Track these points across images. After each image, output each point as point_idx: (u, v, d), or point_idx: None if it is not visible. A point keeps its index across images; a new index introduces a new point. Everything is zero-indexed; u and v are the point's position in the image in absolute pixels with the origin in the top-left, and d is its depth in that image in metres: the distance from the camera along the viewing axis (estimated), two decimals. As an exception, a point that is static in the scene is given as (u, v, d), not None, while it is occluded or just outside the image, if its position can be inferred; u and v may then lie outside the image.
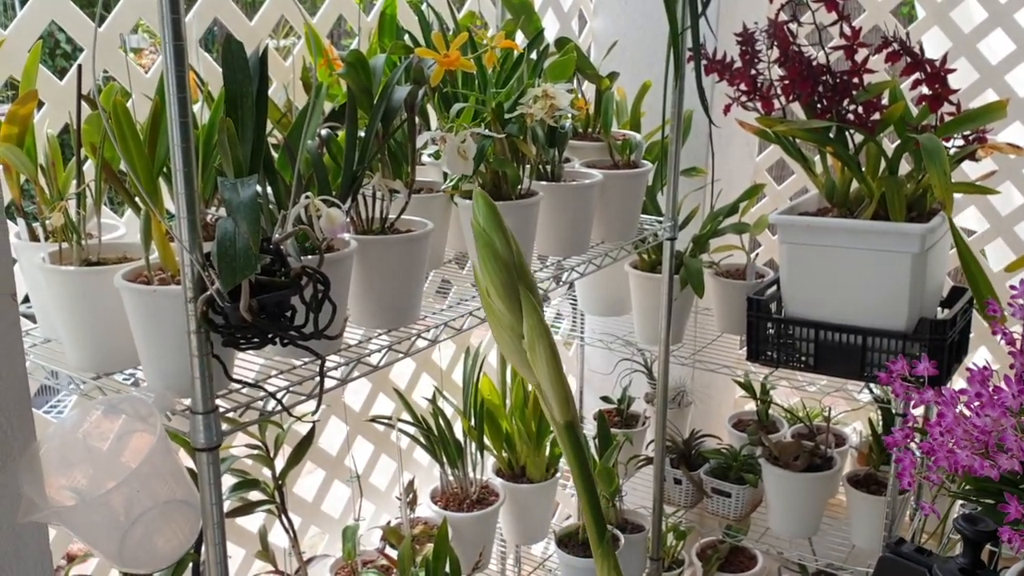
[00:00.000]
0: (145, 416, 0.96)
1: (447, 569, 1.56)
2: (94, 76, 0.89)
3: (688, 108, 1.64)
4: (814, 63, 1.55)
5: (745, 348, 1.75)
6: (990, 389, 0.81)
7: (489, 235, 0.74)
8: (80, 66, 1.08)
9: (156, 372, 0.97)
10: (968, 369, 0.87)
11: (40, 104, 1.26)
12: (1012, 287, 0.90)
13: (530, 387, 1.91)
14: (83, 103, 1.05)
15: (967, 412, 0.83)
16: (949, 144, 1.53)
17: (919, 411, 1.79)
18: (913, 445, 0.93)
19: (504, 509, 1.88)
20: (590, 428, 2.20)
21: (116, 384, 1.05)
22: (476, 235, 0.75)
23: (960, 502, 1.34)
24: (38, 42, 1.12)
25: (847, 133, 1.58)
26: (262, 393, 0.98)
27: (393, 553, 1.63)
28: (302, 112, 1.06)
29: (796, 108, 1.65)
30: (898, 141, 1.55)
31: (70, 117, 1.07)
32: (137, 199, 0.99)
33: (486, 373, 1.88)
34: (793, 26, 1.57)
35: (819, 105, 1.57)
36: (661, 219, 1.71)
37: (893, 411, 1.74)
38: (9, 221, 1.13)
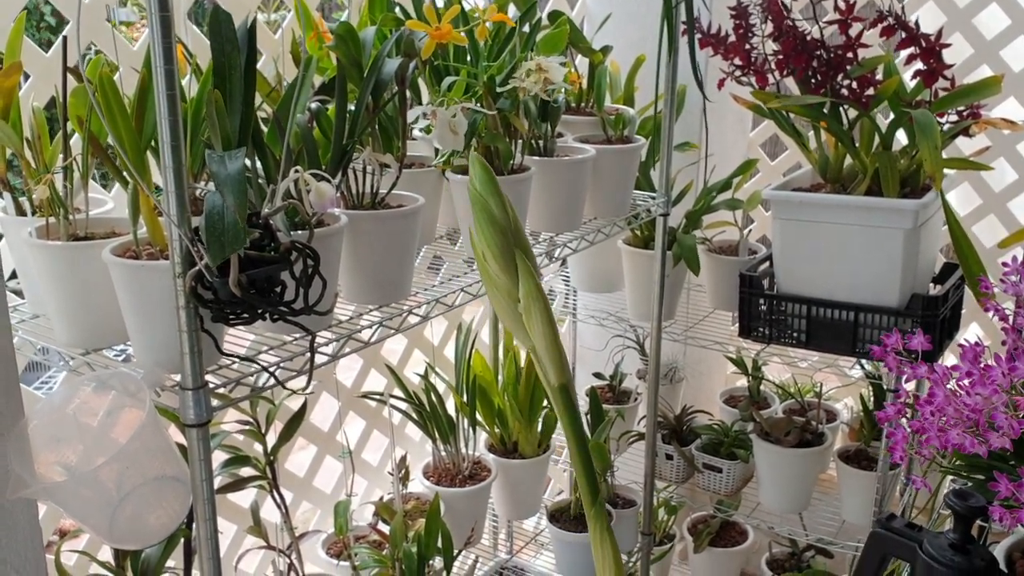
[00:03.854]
0: (134, 392, 0.96)
1: (439, 544, 1.57)
2: (79, 48, 0.88)
3: (682, 83, 1.63)
4: (808, 37, 1.54)
5: (737, 324, 1.75)
6: (981, 367, 0.81)
7: (486, 200, 0.75)
8: (65, 38, 1.06)
9: (145, 348, 0.97)
10: (960, 345, 0.86)
11: (26, 76, 1.25)
12: (1004, 264, 0.90)
13: (522, 362, 1.90)
14: (69, 75, 1.03)
15: (958, 389, 0.82)
16: (943, 120, 1.52)
17: (911, 386, 1.79)
18: (904, 421, 0.93)
19: (496, 484, 1.88)
20: (582, 404, 2.21)
21: (105, 360, 1.04)
22: (473, 200, 0.75)
23: (951, 476, 1.34)
24: (22, 13, 1.10)
25: (841, 108, 1.57)
26: (252, 368, 0.97)
27: (385, 528, 1.64)
28: (291, 85, 1.04)
29: (790, 83, 1.64)
30: (892, 116, 1.54)
31: (56, 90, 1.05)
32: (125, 173, 0.98)
33: (478, 349, 1.87)
34: (787, 0, 1.56)
35: (813, 80, 1.56)
36: (654, 195, 1.70)
37: (884, 387, 1.75)
38: (-5, 195, 1.12)
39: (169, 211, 0.82)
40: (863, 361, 1.83)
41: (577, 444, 0.79)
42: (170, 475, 0.97)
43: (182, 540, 1.29)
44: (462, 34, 1.23)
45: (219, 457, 1.44)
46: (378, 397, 1.84)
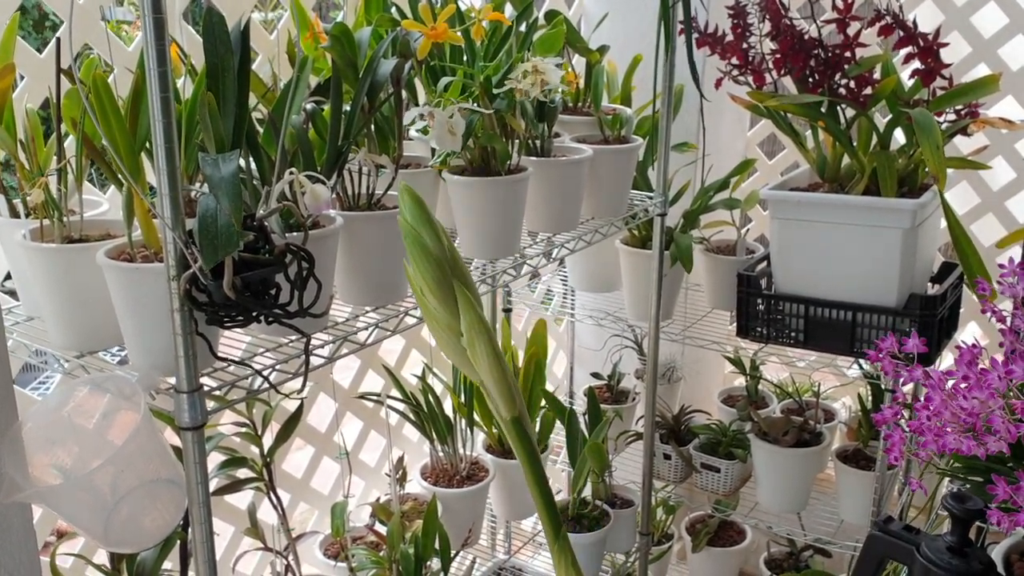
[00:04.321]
0: (129, 395, 0.95)
1: (437, 545, 1.56)
2: (71, 49, 0.87)
3: (679, 82, 1.63)
4: (806, 36, 1.54)
5: (735, 324, 1.75)
6: (978, 370, 0.80)
7: (417, 231, 0.72)
8: (59, 39, 1.06)
9: (140, 350, 0.96)
10: (958, 347, 0.86)
11: (20, 77, 1.24)
12: (1001, 265, 0.89)
13: (520, 362, 1.90)
14: (63, 77, 1.03)
15: (954, 393, 0.82)
16: (941, 119, 1.52)
17: (908, 386, 1.79)
18: (902, 422, 0.92)
19: (494, 485, 1.88)
20: (580, 404, 2.21)
21: (101, 362, 1.03)
22: (404, 232, 0.72)
23: (948, 478, 1.34)
24: (15, 14, 1.10)
25: (839, 108, 1.57)
26: (248, 371, 0.97)
27: (383, 529, 1.63)
28: (287, 86, 1.04)
29: (788, 82, 1.64)
30: (890, 116, 1.54)
31: (50, 91, 1.05)
32: (119, 175, 0.98)
33: (476, 349, 1.87)
34: (785, -1, 1.55)
35: (811, 79, 1.56)
36: (651, 195, 1.70)
37: (882, 387, 1.74)
38: (-12, 197, 1.11)
39: (163, 214, 0.82)
40: (861, 361, 1.83)
41: (535, 479, 0.76)
42: (165, 478, 0.96)
43: (178, 542, 1.29)
44: (458, 34, 1.22)
45: (216, 458, 1.44)
46: (375, 398, 1.84)
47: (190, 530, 0.95)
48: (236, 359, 0.98)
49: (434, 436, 1.81)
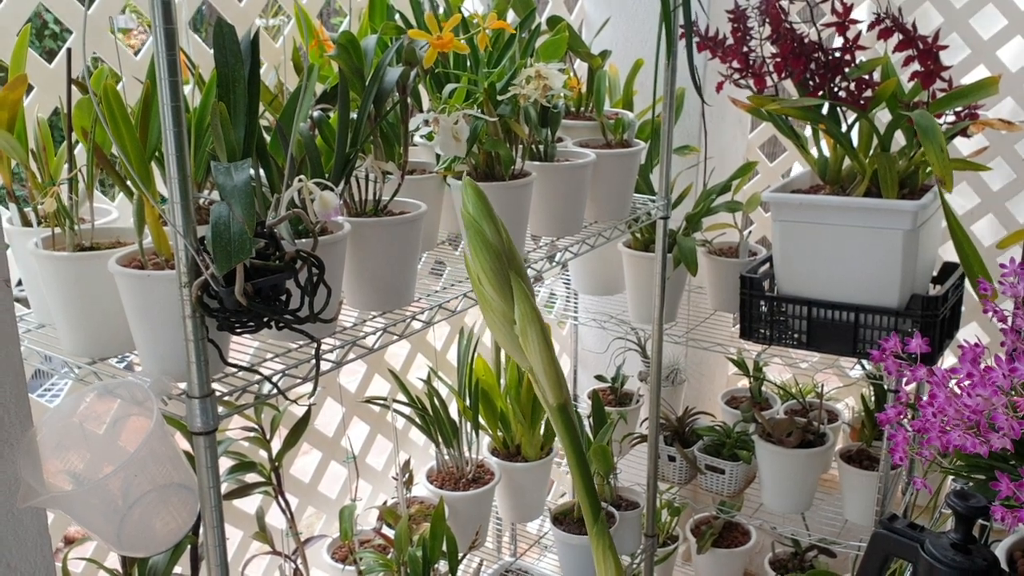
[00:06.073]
0: (141, 401, 0.97)
1: (444, 548, 1.57)
2: (84, 59, 0.89)
3: (680, 86, 1.64)
4: (806, 40, 1.55)
5: (738, 326, 1.76)
6: (981, 368, 0.81)
7: (479, 223, 0.75)
8: (70, 50, 1.07)
9: (152, 357, 0.97)
10: (960, 346, 0.87)
11: (29, 88, 1.25)
12: (1002, 265, 0.90)
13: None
14: (73, 87, 1.04)
15: (958, 391, 0.83)
16: (941, 120, 1.53)
17: (911, 386, 1.80)
18: (905, 422, 0.94)
19: (500, 488, 1.89)
20: (584, 407, 2.22)
21: (112, 369, 1.05)
22: (466, 223, 0.76)
23: (951, 476, 1.35)
24: (26, 25, 1.11)
25: (839, 110, 1.58)
26: (258, 376, 0.98)
27: (390, 533, 1.64)
28: (294, 94, 1.05)
29: (788, 85, 1.65)
30: (890, 118, 1.55)
31: (60, 101, 1.06)
32: (129, 183, 0.99)
33: (480, 353, 1.88)
34: (785, 3, 1.56)
35: (811, 82, 1.57)
36: (654, 198, 1.71)
37: (885, 387, 1.75)
38: (1, 207, 1.13)
39: (174, 221, 0.83)
40: (864, 361, 1.84)
41: (578, 464, 0.80)
42: (177, 482, 0.97)
43: (189, 546, 1.30)
44: (463, 43, 1.24)
45: (224, 463, 1.45)
46: (382, 402, 1.85)
47: (201, 534, 0.96)
48: (246, 365, 0.99)
49: (440, 440, 1.82)
